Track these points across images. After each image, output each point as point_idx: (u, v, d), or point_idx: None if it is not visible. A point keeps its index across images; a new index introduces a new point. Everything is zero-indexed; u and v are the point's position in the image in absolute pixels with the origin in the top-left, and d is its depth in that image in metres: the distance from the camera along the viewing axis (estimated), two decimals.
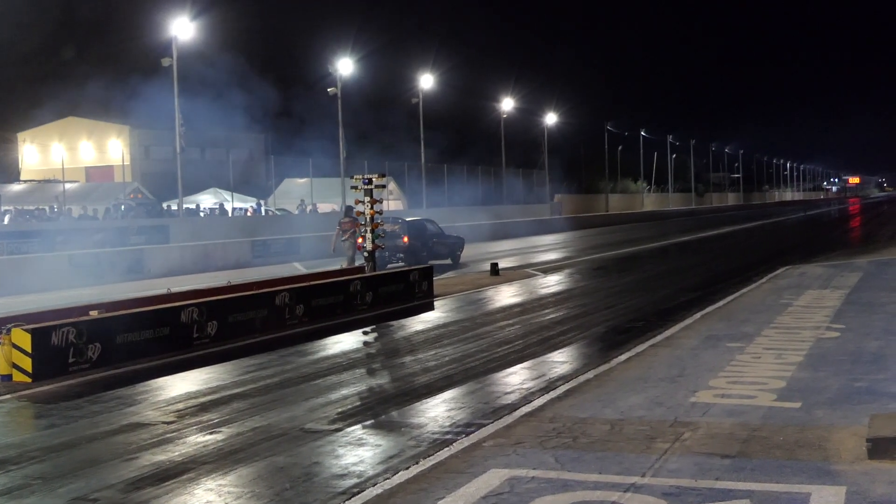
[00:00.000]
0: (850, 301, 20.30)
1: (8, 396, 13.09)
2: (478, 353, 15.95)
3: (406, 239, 32.92)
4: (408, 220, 35.42)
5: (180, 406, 12.38)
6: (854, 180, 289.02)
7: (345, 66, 55.75)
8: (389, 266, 29.78)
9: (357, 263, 27.93)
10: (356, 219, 27.88)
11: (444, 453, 9.44)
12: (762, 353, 14.27)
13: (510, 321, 19.78)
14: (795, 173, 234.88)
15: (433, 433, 10.60)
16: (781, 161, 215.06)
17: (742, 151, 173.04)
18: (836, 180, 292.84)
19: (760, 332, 16.38)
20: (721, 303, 20.83)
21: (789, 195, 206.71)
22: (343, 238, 29.75)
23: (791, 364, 13.33)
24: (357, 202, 24.15)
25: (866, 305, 19.50)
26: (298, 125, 67.36)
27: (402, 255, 32.50)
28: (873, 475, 8.22)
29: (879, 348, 14.51)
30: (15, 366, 13.72)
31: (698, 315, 18.91)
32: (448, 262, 35.00)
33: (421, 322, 20.30)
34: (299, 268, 33.25)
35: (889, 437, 8.79)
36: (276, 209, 57.74)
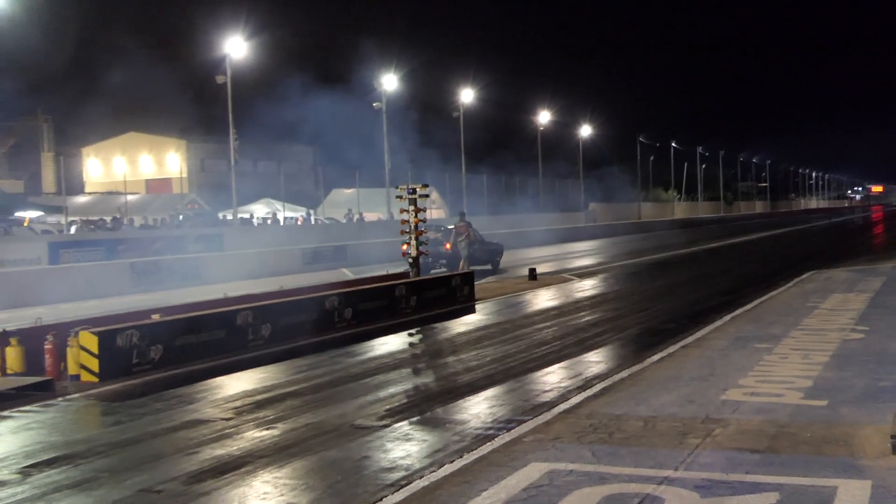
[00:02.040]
0: (875, 304, 20.13)
1: (77, 395, 13.27)
2: (517, 353, 15.97)
3: (448, 245, 32.93)
4: (450, 227, 35.42)
5: (237, 404, 12.49)
6: (877, 189, 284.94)
7: (389, 82, 56.02)
8: (432, 271, 29.83)
9: (464, 261, 31.51)
10: (469, 223, 32.32)
11: (487, 448, 9.47)
12: (789, 354, 14.19)
13: (548, 323, 19.78)
14: (820, 182, 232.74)
15: (476, 429, 10.63)
16: (807, 170, 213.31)
17: (769, 161, 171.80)
18: (860, 189, 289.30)
19: (788, 333, 16.28)
20: (750, 306, 20.71)
21: (814, 203, 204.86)
22: (459, 239, 32.03)
23: (817, 364, 13.25)
24: (402, 211, 24.24)
25: (890, 308, 19.33)
26: (346, 138, 67.64)
27: (444, 260, 32.53)
28: None
29: None
30: (83, 366, 13.91)
31: (728, 317, 18.82)
32: (488, 267, 34.96)
33: (463, 324, 20.33)
34: (347, 273, 33.39)
35: None
36: (325, 218, 57.98)
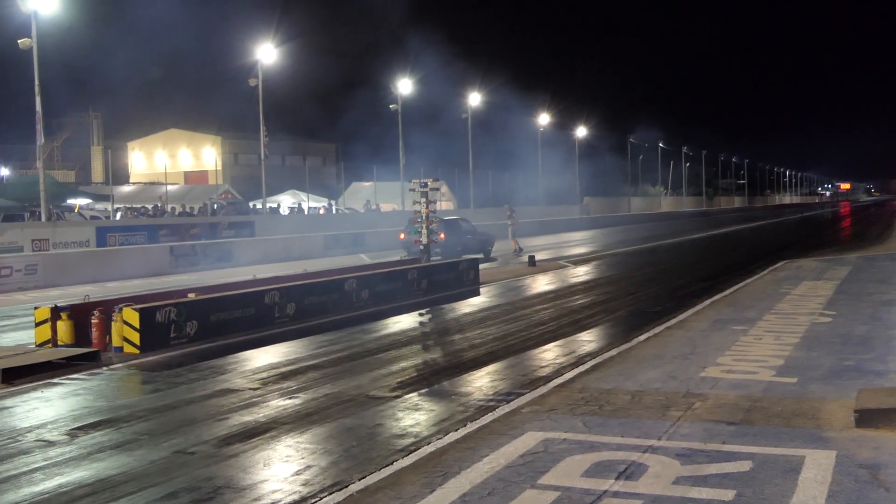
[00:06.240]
0: (841, 291, 20.05)
1: (120, 365, 13.30)
2: (517, 332, 15.95)
3: (442, 235, 32.60)
4: (444, 218, 35.04)
5: (264, 375, 12.50)
6: (845, 186, 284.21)
7: (405, 87, 55.96)
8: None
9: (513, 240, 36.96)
10: (514, 211, 37.50)
11: (488, 418, 9.45)
12: (763, 335, 14.14)
13: (545, 305, 19.75)
14: (794, 180, 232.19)
15: (479, 400, 10.62)
16: (781, 169, 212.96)
17: (747, 160, 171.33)
18: (830, 186, 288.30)
19: (762, 317, 16.23)
20: (728, 291, 20.65)
21: (788, 199, 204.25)
22: (509, 223, 37.33)
23: (788, 345, 13.21)
24: (414, 202, 24.21)
25: (855, 295, 19.25)
26: (365, 136, 67.69)
27: (438, 249, 32.17)
28: (860, 441, 8.14)
29: (866, 332, 14.33)
30: (125, 339, 13.94)
31: (708, 302, 18.77)
32: (480, 256, 34.56)
33: (468, 306, 20.31)
34: (365, 258, 33.37)
35: (874, 409, 8.71)
36: (345, 208, 57.94)
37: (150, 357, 13.77)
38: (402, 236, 32.86)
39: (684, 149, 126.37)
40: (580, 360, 12.84)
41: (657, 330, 15.16)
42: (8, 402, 11.09)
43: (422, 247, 24.06)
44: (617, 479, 7.29)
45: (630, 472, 7.46)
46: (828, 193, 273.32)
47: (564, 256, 35.72)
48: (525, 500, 6.91)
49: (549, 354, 13.74)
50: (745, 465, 7.56)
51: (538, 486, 7.17)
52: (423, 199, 23.79)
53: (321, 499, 7.23)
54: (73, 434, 9.45)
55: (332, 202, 59.11)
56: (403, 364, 13.21)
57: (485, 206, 61.71)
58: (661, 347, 13.39)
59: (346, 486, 7.43)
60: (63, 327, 14.16)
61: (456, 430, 9.05)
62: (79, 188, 55.76)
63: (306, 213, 53.05)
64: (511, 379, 11.93)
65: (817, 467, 7.47)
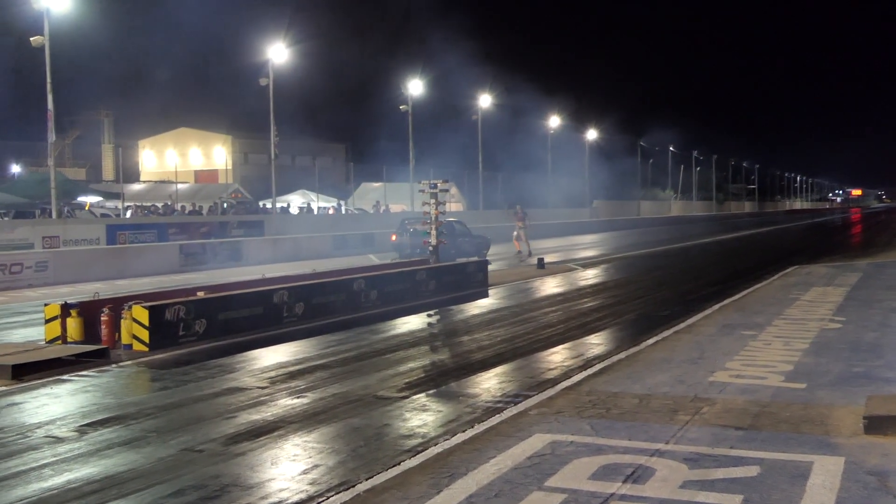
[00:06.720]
0: (851, 297, 19.98)
1: (129, 363, 13.33)
2: (525, 334, 15.93)
3: None
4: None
5: (272, 374, 12.51)
6: (856, 193, 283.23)
7: (415, 88, 56.03)
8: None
9: (522, 247, 36.43)
10: (525, 213, 37.34)
11: (496, 419, 9.45)
12: (772, 341, 14.10)
13: (553, 308, 19.72)
14: (804, 185, 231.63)
15: (486, 402, 10.62)
16: (792, 174, 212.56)
17: (758, 165, 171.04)
18: (841, 192, 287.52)
19: (771, 322, 16.17)
20: (737, 296, 20.57)
21: (799, 205, 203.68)
22: (518, 224, 36.75)
23: (797, 350, 13.17)
24: (424, 203, 24.22)
25: (865, 301, 19.18)
26: (375, 137, 67.79)
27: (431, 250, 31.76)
28: (868, 448, 8.12)
29: (876, 339, 14.27)
30: (135, 337, 13.97)
31: (717, 306, 18.71)
32: (475, 259, 34.19)
33: (477, 307, 20.30)
34: (374, 259, 33.37)
35: (883, 416, 8.68)
36: (355, 209, 58.01)
37: (159, 355, 13.79)
38: (393, 238, 32.72)
39: (695, 153, 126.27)
40: (588, 363, 12.82)
41: (666, 334, 15.12)
42: (17, 398, 11.13)
43: (430, 248, 24.06)
44: (624, 482, 7.28)
45: (637, 475, 7.46)
46: (839, 200, 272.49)
47: (573, 259, 35.64)
48: (532, 502, 6.91)
49: (557, 357, 13.72)
50: (752, 471, 7.55)
51: (545, 489, 7.17)
52: (433, 201, 23.78)
53: (328, 498, 7.24)
54: (82, 430, 9.48)
55: (342, 202, 59.20)
56: (411, 365, 13.22)
57: (494, 208, 61.72)
58: (670, 351, 13.36)
59: (353, 486, 7.45)
60: (73, 324, 14.21)
61: (463, 432, 9.05)
62: (89, 186, 55.92)
63: (316, 213, 53.12)
64: (519, 381, 11.91)
65: (825, 474, 7.45)
